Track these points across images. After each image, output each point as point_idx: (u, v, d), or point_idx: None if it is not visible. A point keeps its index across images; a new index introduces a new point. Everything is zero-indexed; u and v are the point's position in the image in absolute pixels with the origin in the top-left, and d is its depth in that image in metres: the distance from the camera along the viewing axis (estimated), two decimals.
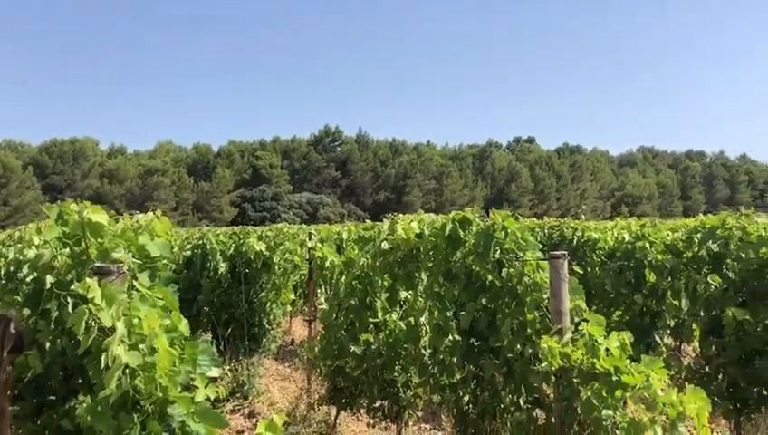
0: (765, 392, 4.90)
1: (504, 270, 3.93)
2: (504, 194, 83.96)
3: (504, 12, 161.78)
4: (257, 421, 6.64)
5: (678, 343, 8.12)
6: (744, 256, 5.02)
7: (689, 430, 2.97)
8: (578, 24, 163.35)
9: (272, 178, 78.41)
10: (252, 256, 7.49)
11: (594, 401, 3.12)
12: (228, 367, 7.63)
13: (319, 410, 6.10)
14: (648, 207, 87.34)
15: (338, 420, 5.96)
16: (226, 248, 8.04)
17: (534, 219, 6.92)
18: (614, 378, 3.11)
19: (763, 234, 4.97)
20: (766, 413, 5.05)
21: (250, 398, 7.28)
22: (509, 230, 3.99)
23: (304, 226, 9.74)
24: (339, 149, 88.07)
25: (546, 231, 6.78)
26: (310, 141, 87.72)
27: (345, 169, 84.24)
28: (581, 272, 6.24)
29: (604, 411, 3.15)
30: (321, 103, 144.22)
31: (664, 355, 5.57)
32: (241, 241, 7.78)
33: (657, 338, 5.64)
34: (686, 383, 5.29)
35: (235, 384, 7.41)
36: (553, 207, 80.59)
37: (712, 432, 2.98)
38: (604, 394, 3.11)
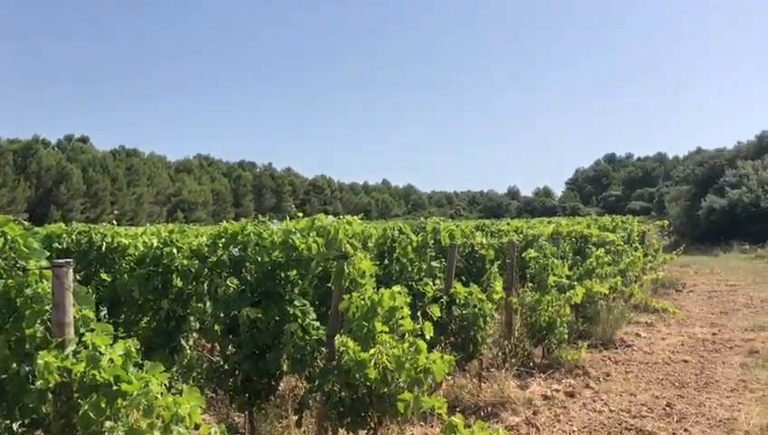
0: (273, 383, 5.47)
1: (1, 281, 3.52)
2: (53, 196, 76.82)
3: None
4: None
5: (212, 344, 8.51)
6: (260, 259, 5.51)
7: (186, 427, 3.08)
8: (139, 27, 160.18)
9: None
10: None
11: (92, 414, 2.99)
12: None
13: None
14: (204, 212, 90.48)
15: None
16: None
17: (62, 225, 6.43)
18: (114, 388, 3.04)
19: (275, 239, 5.54)
20: (274, 401, 5.64)
21: None
22: (9, 237, 3.59)
23: None
24: None
25: (74, 237, 6.36)
26: None
27: None
28: (110, 279, 6.04)
29: (106, 423, 3.06)
30: None
31: (188, 357, 5.76)
32: None
33: (183, 341, 5.78)
34: (207, 383, 5.58)
35: None
36: (108, 212, 76.99)
37: (210, 427, 3.14)
38: (103, 405, 3.01)
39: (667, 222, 35.63)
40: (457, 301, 7.11)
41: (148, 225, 6.99)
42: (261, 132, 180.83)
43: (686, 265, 25.17)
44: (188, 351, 5.85)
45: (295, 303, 5.42)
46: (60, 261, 3.38)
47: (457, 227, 9.51)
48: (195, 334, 6.33)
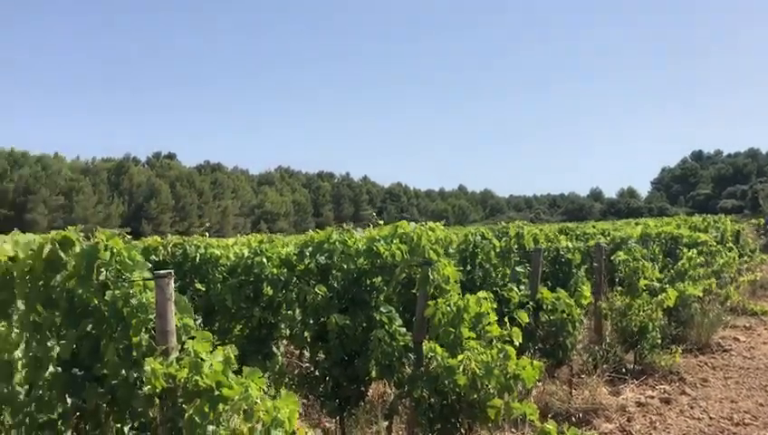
0: (363, 388, 5.54)
1: (110, 292, 3.73)
2: (144, 211, 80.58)
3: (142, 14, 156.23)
4: None
5: (300, 351, 8.70)
6: (345, 266, 5.61)
7: (285, 432, 3.17)
8: (213, 39, 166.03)
9: None
10: None
11: (196, 418, 3.13)
12: None
13: None
14: (286, 223, 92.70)
15: None
16: None
17: (157, 238, 6.74)
18: (216, 393, 3.17)
19: (360, 247, 5.62)
20: (364, 407, 5.71)
21: None
22: (115, 250, 3.80)
23: None
24: None
25: (170, 249, 6.66)
26: None
27: None
28: (204, 289, 6.29)
29: (209, 427, 3.19)
30: None
31: (280, 364, 5.92)
32: None
33: (274, 348, 5.95)
34: (285, 388, 5.71)
35: None
36: (195, 225, 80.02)
37: (307, 431, 3.23)
38: (206, 410, 3.14)
39: (762, 220, 33.76)
40: (544, 306, 6.99)
41: (238, 236, 7.23)
42: (338, 143, 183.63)
43: None
44: (279, 357, 6.01)
45: (381, 309, 5.47)
46: (162, 272, 3.56)
47: (541, 231, 9.36)
48: (284, 341, 6.51)
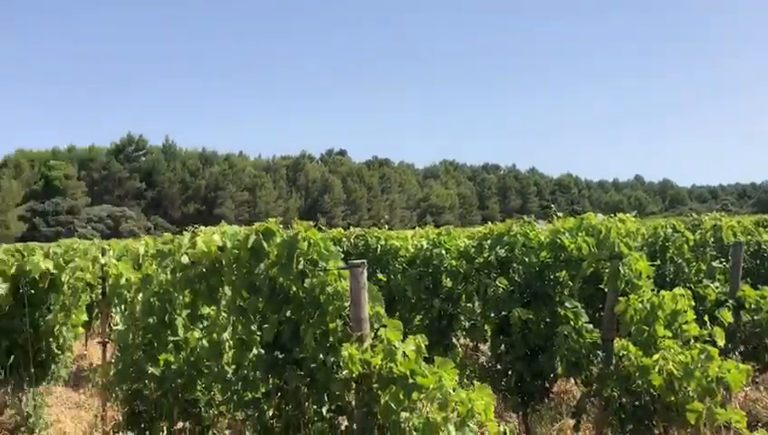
0: (547, 385, 5.40)
1: (308, 280, 3.94)
2: (319, 205, 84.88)
3: (315, 24, 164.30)
4: None
5: (476, 344, 8.68)
6: (527, 260, 5.49)
7: (478, 424, 3.16)
8: (382, 38, 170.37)
9: (67, 189, 72.22)
10: (37, 276, 6.79)
11: (392, 405, 3.22)
12: (10, 399, 6.85)
13: None
14: (451, 216, 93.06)
15: None
16: (7, 268, 7.22)
17: (341, 229, 7.04)
18: (410, 381, 3.23)
19: (542, 240, 5.48)
20: (548, 404, 5.56)
21: (37, 430, 6.60)
22: (312, 240, 4.01)
23: (96, 241, 9.03)
24: (143, 158, 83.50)
25: (352, 241, 6.95)
26: (110, 150, 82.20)
27: (150, 179, 80.00)
28: (385, 279, 6.47)
29: (402, 414, 3.27)
30: (122, 110, 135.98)
31: (460, 355, 5.94)
32: (24, 259, 7.03)
33: (454, 339, 5.99)
34: (474, 381, 5.69)
35: (18, 417, 6.67)
36: (365, 218, 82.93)
37: (498, 425, 3.20)
38: (401, 397, 3.22)
39: None
40: (746, 305, 6.38)
41: (417, 228, 7.36)
42: (504, 134, 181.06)
43: None
44: (459, 349, 6.04)
45: (566, 304, 5.29)
46: (356, 262, 3.70)
47: (738, 223, 8.57)
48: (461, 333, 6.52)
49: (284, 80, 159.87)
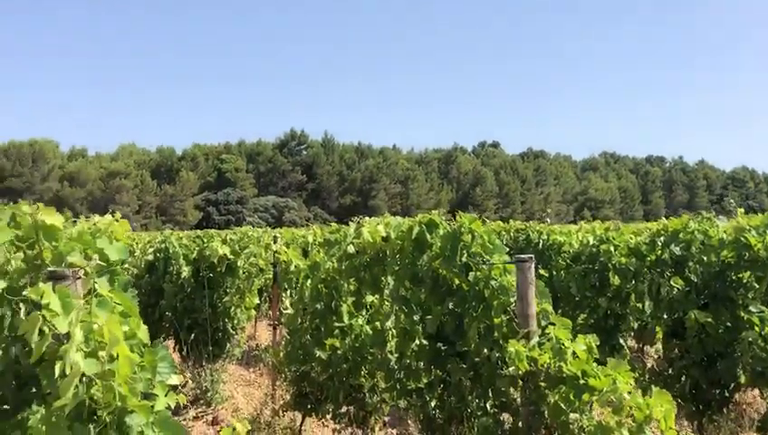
0: (727, 394, 4.98)
1: (472, 274, 3.91)
2: (470, 198, 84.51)
3: (470, 17, 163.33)
4: (221, 429, 6.52)
5: (641, 346, 8.22)
6: (705, 259, 5.10)
7: (654, 433, 2.98)
8: (537, 31, 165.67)
9: (237, 181, 77.67)
10: (215, 260, 7.36)
11: (562, 405, 3.11)
12: (191, 373, 7.48)
13: (284, 415, 6.01)
14: (611, 211, 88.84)
15: (303, 426, 5.88)
16: (189, 252, 7.89)
17: (500, 223, 6.94)
18: (581, 382, 3.11)
19: (724, 237, 5.05)
20: (728, 414, 5.13)
21: (213, 404, 7.15)
22: (476, 233, 3.97)
23: (269, 229, 9.61)
24: (305, 152, 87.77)
25: (512, 235, 6.81)
26: (275, 145, 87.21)
27: (311, 172, 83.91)
28: (547, 275, 6.29)
29: (571, 415, 3.15)
30: (286, 107, 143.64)
31: (628, 358, 5.64)
32: (204, 245, 7.64)
33: (622, 341, 5.69)
34: (651, 386, 5.37)
35: (198, 391, 7.27)
36: (518, 211, 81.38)
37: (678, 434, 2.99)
38: (572, 398, 3.11)
39: None
40: None
41: (582, 223, 7.08)
42: (670, 124, 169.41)
43: None
44: (626, 351, 5.74)
45: (750, 308, 4.85)
46: (523, 256, 3.61)
47: None
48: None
49: (436, 73, 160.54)
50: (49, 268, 2.52)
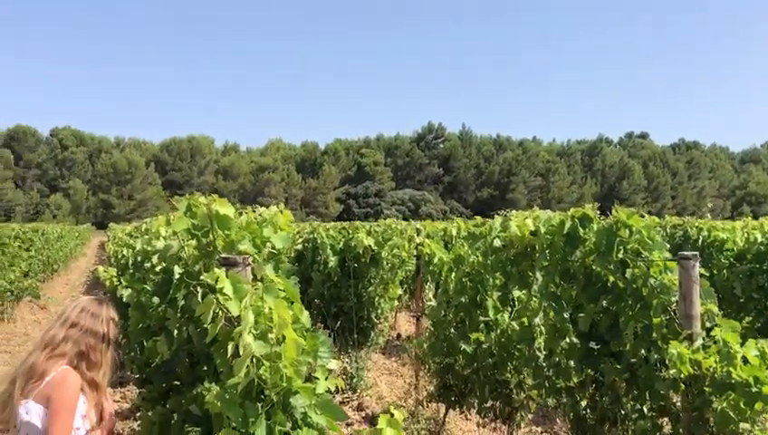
0: None
1: (628, 271, 3.73)
2: (615, 192, 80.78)
3: (614, 8, 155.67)
4: (365, 414, 6.72)
5: None
6: None
7: None
8: (685, 17, 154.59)
9: (375, 174, 79.42)
10: (360, 251, 7.56)
11: (730, 413, 2.90)
12: (338, 359, 7.76)
13: (427, 406, 6.08)
14: None
15: (447, 418, 5.91)
16: (336, 243, 8.17)
17: (655, 218, 6.55)
18: (754, 389, 2.88)
19: None
20: None
21: (358, 391, 7.37)
22: (633, 229, 3.79)
23: (410, 222, 9.73)
24: (441, 145, 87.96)
25: (668, 231, 6.43)
26: (413, 139, 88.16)
27: (447, 165, 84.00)
28: (707, 274, 5.87)
29: (741, 425, 2.93)
30: (424, 100, 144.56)
31: None
32: (350, 236, 7.88)
33: None
34: None
35: (343, 377, 7.53)
36: (668, 206, 76.77)
37: None
38: (742, 406, 2.89)
39: None
40: None
41: (747, 219, 6.53)
42: None
43: None
44: None
45: None
46: (687, 253, 3.39)
47: None
48: None
49: (580, 63, 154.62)
50: (221, 255, 2.70)
